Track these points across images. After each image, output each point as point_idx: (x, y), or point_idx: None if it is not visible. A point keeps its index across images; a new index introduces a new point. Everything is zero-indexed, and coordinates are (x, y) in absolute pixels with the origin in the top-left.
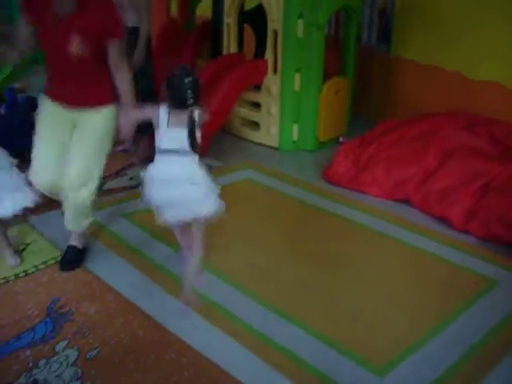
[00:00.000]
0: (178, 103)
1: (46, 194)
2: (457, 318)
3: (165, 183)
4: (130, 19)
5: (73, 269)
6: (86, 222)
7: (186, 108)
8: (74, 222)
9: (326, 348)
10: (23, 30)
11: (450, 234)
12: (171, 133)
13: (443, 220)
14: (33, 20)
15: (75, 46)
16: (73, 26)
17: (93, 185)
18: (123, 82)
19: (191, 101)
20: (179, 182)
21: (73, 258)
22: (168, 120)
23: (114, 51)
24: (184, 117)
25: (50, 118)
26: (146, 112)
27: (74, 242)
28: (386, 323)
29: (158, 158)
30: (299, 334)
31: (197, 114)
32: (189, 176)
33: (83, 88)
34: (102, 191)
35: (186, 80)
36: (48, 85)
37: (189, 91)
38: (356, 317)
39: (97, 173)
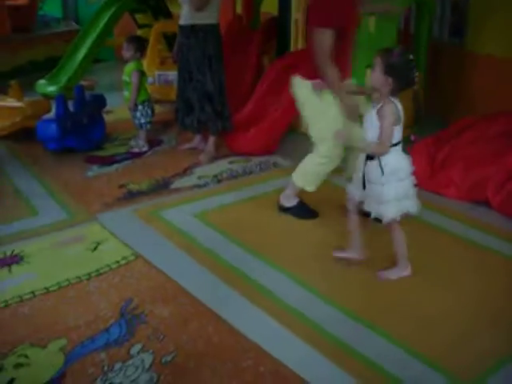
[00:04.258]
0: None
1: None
2: None
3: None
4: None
5: None
6: None
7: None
8: None
9: (409, 358)
10: None
11: None
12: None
13: None
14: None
15: None
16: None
17: None
18: None
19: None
20: None
21: None
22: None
23: None
24: None
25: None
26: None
27: None
28: (472, 335)
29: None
30: (381, 342)
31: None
32: None
33: None
34: (169, 189)
35: (411, 57)
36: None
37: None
38: (440, 326)
39: None
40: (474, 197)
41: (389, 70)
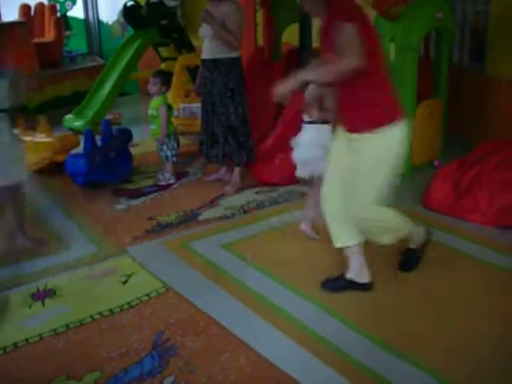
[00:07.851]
0: None
1: None
2: None
3: None
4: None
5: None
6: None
7: None
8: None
9: None
10: None
11: None
12: None
13: None
14: None
15: None
16: None
17: None
18: None
19: None
20: None
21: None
22: None
23: None
24: None
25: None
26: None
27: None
28: (504, 359)
29: None
30: (411, 371)
31: None
32: None
33: None
34: (197, 221)
35: None
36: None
37: None
38: (471, 353)
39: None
40: (499, 222)
41: None
